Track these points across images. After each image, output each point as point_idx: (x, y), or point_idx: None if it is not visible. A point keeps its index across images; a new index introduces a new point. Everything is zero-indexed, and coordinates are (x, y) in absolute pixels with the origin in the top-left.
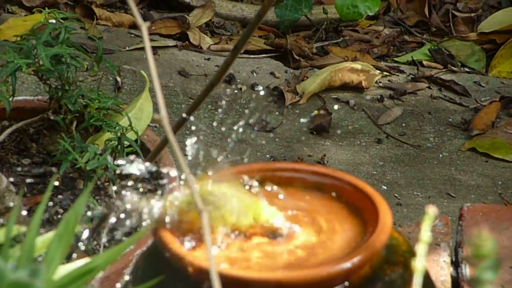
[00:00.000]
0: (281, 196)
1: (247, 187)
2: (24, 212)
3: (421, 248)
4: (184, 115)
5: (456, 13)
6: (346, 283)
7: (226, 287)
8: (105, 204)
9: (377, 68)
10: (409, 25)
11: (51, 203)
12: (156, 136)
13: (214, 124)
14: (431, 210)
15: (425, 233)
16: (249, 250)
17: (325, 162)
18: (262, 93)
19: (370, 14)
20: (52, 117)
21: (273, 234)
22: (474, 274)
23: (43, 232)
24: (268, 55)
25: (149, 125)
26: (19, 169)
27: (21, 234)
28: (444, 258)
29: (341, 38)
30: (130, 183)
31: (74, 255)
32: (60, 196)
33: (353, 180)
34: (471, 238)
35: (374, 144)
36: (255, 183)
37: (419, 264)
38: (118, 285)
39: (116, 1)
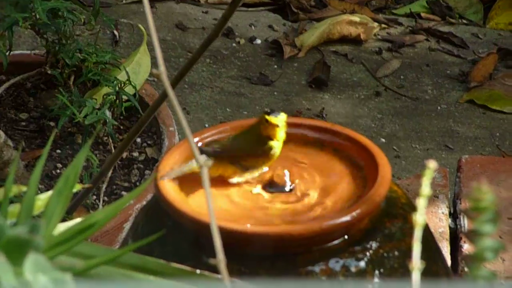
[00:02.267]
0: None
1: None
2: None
3: (421, 203)
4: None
5: None
6: (346, 236)
7: (227, 241)
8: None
9: (375, 20)
10: None
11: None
12: (154, 90)
13: (213, 77)
14: (431, 164)
15: (425, 188)
16: (249, 202)
17: (324, 115)
18: (260, 46)
19: None
20: (49, 72)
21: (271, 186)
22: (472, 227)
23: (42, 188)
24: (267, 8)
25: (147, 79)
26: (16, 123)
27: (20, 192)
28: (442, 210)
29: None
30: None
31: None
32: (58, 151)
33: (352, 134)
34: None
35: (373, 96)
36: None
37: (419, 218)
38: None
39: None
